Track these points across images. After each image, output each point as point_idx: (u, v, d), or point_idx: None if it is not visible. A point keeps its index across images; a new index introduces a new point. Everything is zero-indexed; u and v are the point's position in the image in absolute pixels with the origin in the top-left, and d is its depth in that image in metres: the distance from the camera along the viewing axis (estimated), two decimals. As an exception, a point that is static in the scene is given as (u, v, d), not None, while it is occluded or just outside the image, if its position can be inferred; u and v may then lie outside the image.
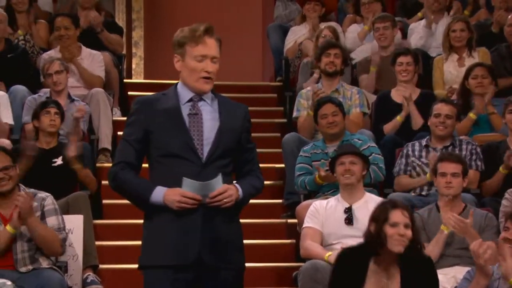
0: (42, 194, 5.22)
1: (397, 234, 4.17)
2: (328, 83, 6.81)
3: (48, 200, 5.18)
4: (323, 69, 6.84)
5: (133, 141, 3.57)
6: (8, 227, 4.97)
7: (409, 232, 4.20)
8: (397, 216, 4.20)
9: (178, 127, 3.53)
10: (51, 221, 5.14)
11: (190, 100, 3.58)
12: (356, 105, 6.78)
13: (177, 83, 3.67)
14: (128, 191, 3.60)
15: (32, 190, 5.21)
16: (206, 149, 3.52)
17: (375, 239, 4.20)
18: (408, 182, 6.05)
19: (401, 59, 6.83)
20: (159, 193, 3.50)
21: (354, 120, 6.67)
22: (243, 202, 3.59)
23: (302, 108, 6.83)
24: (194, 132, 3.53)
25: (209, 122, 3.55)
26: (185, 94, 3.58)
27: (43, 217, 5.12)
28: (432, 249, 5.09)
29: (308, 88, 6.93)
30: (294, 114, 6.90)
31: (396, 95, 6.84)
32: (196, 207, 3.49)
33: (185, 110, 3.56)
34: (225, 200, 3.49)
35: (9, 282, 4.51)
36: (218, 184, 3.49)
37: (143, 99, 3.63)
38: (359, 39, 8.14)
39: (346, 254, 4.28)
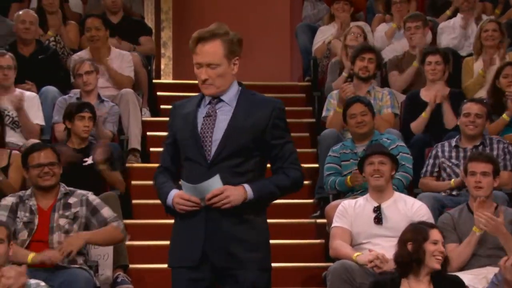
0: (81, 191, 5.27)
1: (438, 251, 4.52)
2: (359, 85, 6.80)
3: (91, 196, 5.24)
4: (356, 73, 6.83)
5: (168, 145, 3.70)
6: (30, 257, 4.98)
7: (445, 250, 4.57)
8: (437, 234, 4.57)
9: (191, 131, 3.60)
10: (106, 212, 5.18)
11: (209, 102, 3.64)
12: (388, 106, 6.76)
13: None
14: (158, 194, 3.71)
15: (71, 188, 5.27)
16: (213, 150, 3.55)
17: (414, 257, 4.50)
18: (432, 184, 6.03)
19: (430, 58, 6.81)
20: (171, 196, 3.59)
21: (385, 120, 6.65)
22: (260, 202, 3.55)
23: (331, 108, 6.83)
24: (205, 134, 3.58)
25: (221, 123, 3.58)
26: (207, 96, 3.64)
27: (95, 211, 5.17)
28: (463, 250, 5.06)
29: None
30: (324, 113, 6.90)
31: (426, 94, 6.80)
32: (198, 208, 3.53)
33: (203, 113, 3.63)
34: (222, 201, 3.49)
35: (43, 283, 4.54)
36: (214, 185, 3.48)
37: (176, 103, 3.74)
38: (386, 38, 8.10)
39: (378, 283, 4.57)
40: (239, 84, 3.68)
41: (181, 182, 3.55)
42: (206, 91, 3.60)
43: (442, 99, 6.58)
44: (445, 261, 4.55)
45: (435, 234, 4.54)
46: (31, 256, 4.94)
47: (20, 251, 4.96)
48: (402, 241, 4.57)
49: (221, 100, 3.62)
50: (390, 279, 4.57)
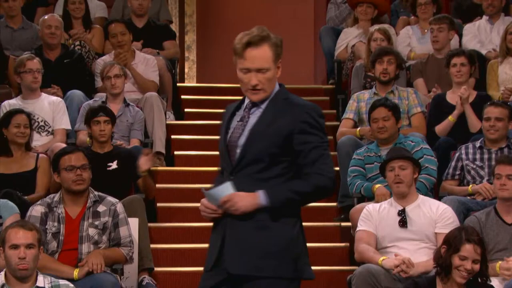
0: (111, 199, 5.30)
1: (464, 267, 4.50)
2: (382, 88, 6.79)
3: (119, 207, 5.26)
4: (377, 77, 6.81)
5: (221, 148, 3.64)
6: (75, 273, 5.02)
7: (476, 267, 4.52)
8: (469, 251, 4.52)
9: (222, 136, 3.57)
10: (123, 231, 5.24)
11: (246, 106, 3.58)
12: (416, 104, 6.73)
13: None
14: None
15: (100, 193, 5.30)
16: (237, 156, 3.50)
17: (441, 262, 4.54)
18: (450, 188, 6.00)
19: (455, 60, 6.75)
20: None
21: (417, 124, 6.65)
22: (276, 208, 3.45)
23: (349, 111, 6.81)
24: (233, 139, 3.52)
25: (250, 128, 3.51)
26: (247, 100, 3.58)
27: (116, 226, 5.22)
28: None
29: (363, 91, 6.91)
30: (343, 115, 6.89)
31: (452, 97, 6.76)
32: (219, 215, 3.50)
33: (239, 117, 3.58)
34: (230, 209, 3.44)
35: (71, 285, 4.60)
36: (225, 192, 3.45)
37: (227, 106, 3.68)
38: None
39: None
40: (280, 85, 3.58)
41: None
42: (255, 96, 3.51)
43: (465, 101, 6.53)
44: (481, 276, 4.52)
45: (466, 250, 4.50)
46: (76, 273, 5.00)
47: (62, 268, 5.02)
48: (443, 241, 4.61)
49: (256, 105, 3.55)
50: (427, 281, 4.61)
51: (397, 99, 6.65)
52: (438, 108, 6.78)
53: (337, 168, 6.76)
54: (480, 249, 4.55)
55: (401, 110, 6.37)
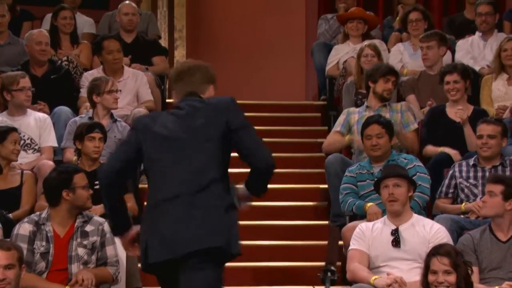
0: (98, 218, 5.29)
1: (437, 281, 4.59)
2: (376, 102, 6.77)
3: (106, 227, 5.24)
4: (379, 93, 6.74)
5: None
6: None
7: (450, 278, 4.60)
8: (436, 264, 4.61)
9: None
10: (110, 250, 5.22)
11: None
12: (412, 121, 6.74)
13: None
14: None
15: (87, 213, 5.29)
16: None
17: (423, 285, 4.65)
18: (443, 207, 5.97)
19: (448, 77, 6.68)
20: None
21: (414, 139, 6.65)
22: None
23: (337, 124, 6.82)
24: None
25: None
26: None
27: (103, 245, 5.21)
28: None
29: (356, 109, 6.91)
30: (334, 128, 6.88)
31: (452, 111, 6.71)
32: None
33: None
34: None
35: None
36: None
37: None
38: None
39: None
40: None
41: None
42: None
43: (465, 122, 6.50)
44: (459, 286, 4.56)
45: (434, 264, 4.59)
46: None
47: (51, 286, 5.00)
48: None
49: None
50: None
51: (389, 113, 6.62)
52: (436, 122, 6.72)
53: (326, 186, 6.76)
54: (449, 259, 4.63)
55: (392, 121, 6.37)
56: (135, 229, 4.24)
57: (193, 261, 3.98)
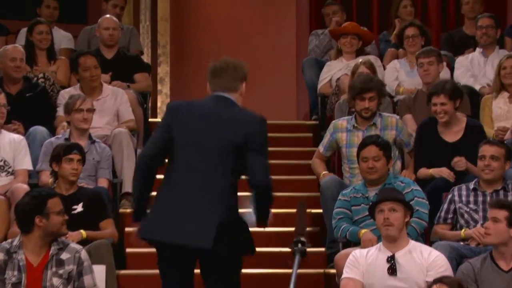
0: (74, 245, 5.25)
1: None
2: (363, 121, 6.74)
3: (83, 254, 5.21)
4: (358, 112, 6.76)
5: None
6: None
7: None
8: None
9: None
10: (87, 280, 5.18)
11: None
12: (411, 135, 6.76)
13: None
14: None
15: (63, 240, 5.25)
16: None
17: None
18: (442, 233, 5.98)
19: (434, 99, 6.63)
20: None
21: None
22: None
23: (321, 144, 6.83)
24: None
25: None
26: None
27: (80, 275, 5.16)
28: None
29: (342, 119, 6.89)
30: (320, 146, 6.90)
31: (444, 131, 6.68)
32: None
33: None
34: None
35: None
36: None
37: None
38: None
39: None
40: None
41: None
42: None
43: (463, 169, 6.50)
44: None
45: None
46: None
47: None
48: None
49: None
50: None
51: (380, 131, 6.63)
52: (428, 142, 6.68)
53: (318, 211, 6.75)
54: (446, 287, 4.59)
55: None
56: None
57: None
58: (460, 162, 6.47)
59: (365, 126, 6.70)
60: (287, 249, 4.51)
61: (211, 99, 4.77)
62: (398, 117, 6.89)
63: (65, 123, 7.02)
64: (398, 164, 6.74)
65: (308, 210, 7.07)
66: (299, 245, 4.58)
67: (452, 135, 6.65)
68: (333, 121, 6.93)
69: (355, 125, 6.73)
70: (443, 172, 6.42)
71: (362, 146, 6.11)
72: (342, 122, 6.82)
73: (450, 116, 6.65)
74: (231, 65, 4.80)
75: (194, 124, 4.68)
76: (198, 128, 4.67)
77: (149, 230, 4.68)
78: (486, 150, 5.98)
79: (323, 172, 6.75)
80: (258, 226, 4.74)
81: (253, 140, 4.66)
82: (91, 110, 6.82)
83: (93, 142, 6.81)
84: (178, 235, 4.56)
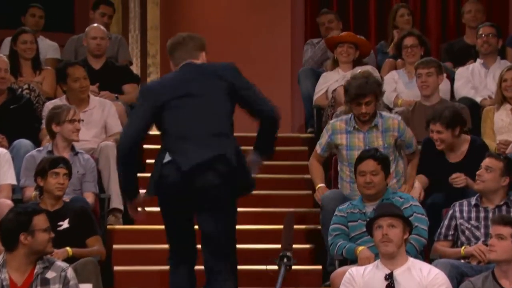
0: (60, 263, 5.22)
1: None
2: (362, 125, 6.71)
3: (70, 273, 5.17)
4: (357, 116, 6.72)
5: None
6: None
7: None
8: None
9: None
10: None
11: None
12: (413, 136, 6.75)
13: None
14: None
15: (48, 257, 5.22)
16: None
17: None
18: (443, 250, 5.97)
19: (431, 126, 6.61)
20: None
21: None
22: None
23: (319, 144, 6.83)
24: None
25: None
26: None
27: None
28: None
29: (340, 118, 6.87)
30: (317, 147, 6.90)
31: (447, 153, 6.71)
32: None
33: None
34: None
35: None
36: None
37: None
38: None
39: None
40: None
41: None
42: None
43: (463, 185, 6.49)
44: None
45: None
46: None
47: None
48: None
49: None
50: None
51: (382, 135, 6.62)
52: (430, 159, 6.71)
53: (316, 227, 6.73)
54: None
55: (386, 145, 6.45)
56: (142, 196, 5.27)
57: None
58: (458, 179, 6.46)
59: (366, 128, 6.68)
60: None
61: (180, 69, 5.27)
62: (400, 118, 6.84)
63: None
64: (401, 164, 6.71)
65: (304, 226, 7.11)
66: (285, 259, 4.66)
67: (456, 157, 6.66)
68: (331, 122, 6.90)
69: (356, 126, 6.71)
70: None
71: (360, 159, 6.09)
72: (340, 123, 6.77)
73: (448, 144, 6.62)
74: (187, 37, 5.33)
75: (178, 91, 5.15)
76: (184, 92, 5.14)
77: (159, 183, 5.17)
78: (484, 161, 6.01)
79: (320, 185, 6.72)
80: (263, 159, 5.32)
81: (239, 81, 5.22)
82: (79, 121, 6.81)
83: (76, 153, 6.78)
84: (192, 159, 5.03)
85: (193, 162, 5.01)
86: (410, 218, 5.60)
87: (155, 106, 5.13)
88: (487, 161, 5.99)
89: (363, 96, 6.58)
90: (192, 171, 5.01)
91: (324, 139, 6.80)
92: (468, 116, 7.10)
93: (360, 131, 6.66)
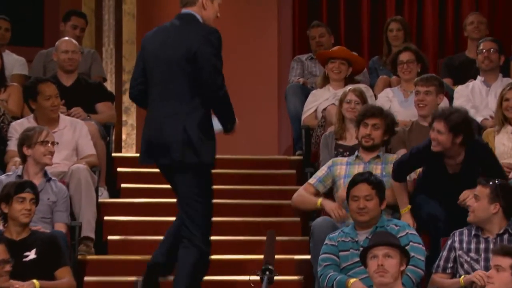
0: None
1: None
2: (366, 152, 6.77)
3: None
4: (360, 141, 6.79)
5: None
6: None
7: None
8: None
9: None
10: None
11: None
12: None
13: None
14: None
15: None
16: None
17: None
18: (441, 282, 5.96)
19: (435, 123, 6.55)
20: None
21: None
22: None
23: (315, 176, 6.84)
24: None
25: None
26: None
27: None
28: None
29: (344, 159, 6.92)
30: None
31: (447, 161, 6.67)
32: None
33: None
34: None
35: None
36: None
37: None
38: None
39: None
40: None
41: None
42: None
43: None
44: None
45: None
46: None
47: None
48: None
49: None
50: None
51: (381, 165, 6.66)
52: (432, 167, 6.67)
53: (305, 257, 6.70)
54: None
55: (384, 173, 6.49)
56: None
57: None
58: (467, 201, 6.43)
59: (368, 158, 6.70)
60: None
61: (175, 19, 5.99)
62: (400, 151, 6.94)
63: (17, 159, 6.93)
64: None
65: (291, 257, 7.07)
66: (267, 272, 4.87)
67: (454, 167, 6.63)
68: (333, 159, 6.98)
69: (358, 155, 6.76)
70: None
71: (353, 184, 6.09)
72: (342, 158, 6.92)
73: (444, 149, 6.54)
74: None
75: (157, 50, 5.91)
76: (159, 53, 5.91)
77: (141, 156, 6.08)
78: (475, 190, 6.03)
79: (320, 199, 6.70)
80: (225, 132, 5.99)
81: (203, 51, 5.77)
82: (54, 144, 6.77)
83: (48, 180, 6.74)
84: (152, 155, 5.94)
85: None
86: (406, 247, 5.60)
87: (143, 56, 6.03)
88: (476, 189, 6.02)
89: (371, 115, 6.71)
90: None
91: (322, 172, 6.86)
92: (476, 130, 7.06)
93: (361, 162, 6.71)
